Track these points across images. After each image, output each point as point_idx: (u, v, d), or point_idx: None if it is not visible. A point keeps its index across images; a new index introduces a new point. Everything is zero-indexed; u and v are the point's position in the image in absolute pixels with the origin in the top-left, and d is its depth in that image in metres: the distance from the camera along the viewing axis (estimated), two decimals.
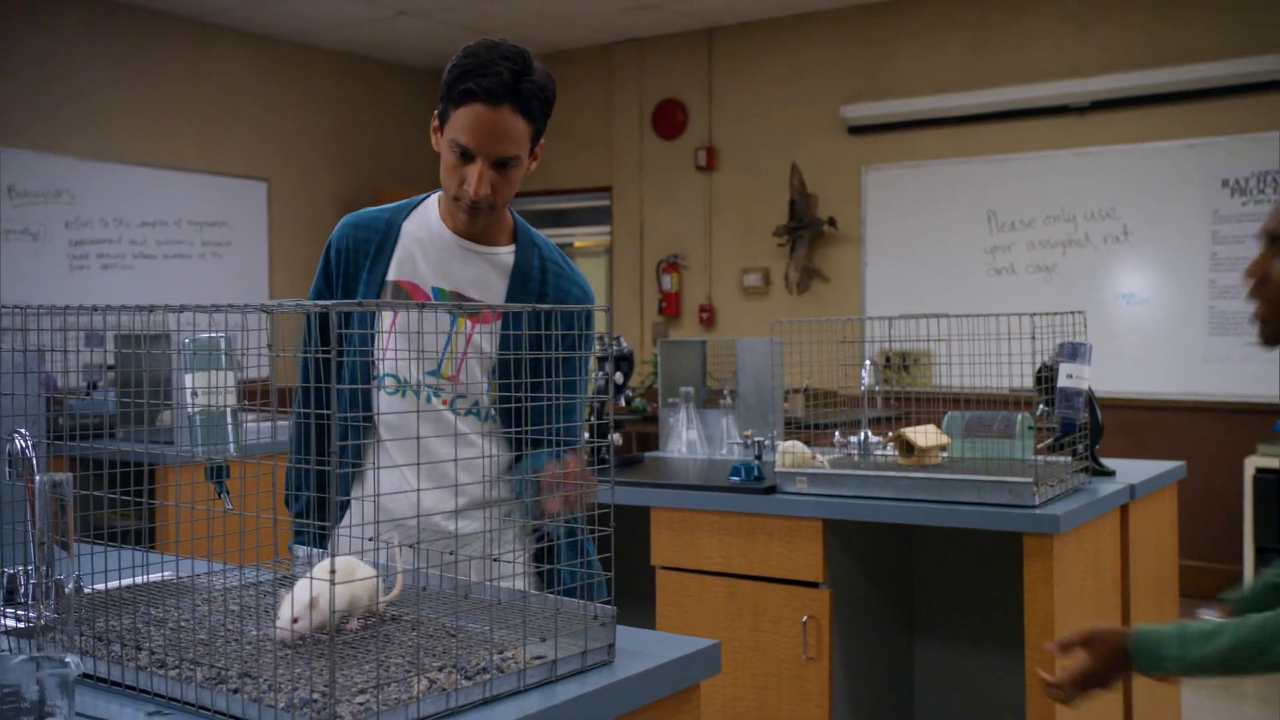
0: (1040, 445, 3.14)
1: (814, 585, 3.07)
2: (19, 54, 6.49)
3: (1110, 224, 6.49)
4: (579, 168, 8.32)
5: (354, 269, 2.07)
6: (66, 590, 1.55)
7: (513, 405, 1.91)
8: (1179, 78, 6.27)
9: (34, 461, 1.57)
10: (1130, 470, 3.42)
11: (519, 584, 1.90)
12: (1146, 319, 6.32)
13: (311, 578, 1.46)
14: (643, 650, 1.56)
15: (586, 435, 2.05)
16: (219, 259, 7.45)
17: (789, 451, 3.21)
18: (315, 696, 1.29)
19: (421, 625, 1.59)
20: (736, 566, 3.17)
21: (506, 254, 2.07)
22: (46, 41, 6.61)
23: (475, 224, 2.01)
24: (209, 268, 7.39)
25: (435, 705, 1.31)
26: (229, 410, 1.60)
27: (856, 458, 3.36)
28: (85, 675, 1.42)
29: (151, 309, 1.51)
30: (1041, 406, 3.21)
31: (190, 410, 1.60)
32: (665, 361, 4.05)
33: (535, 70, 1.95)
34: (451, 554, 1.89)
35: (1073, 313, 3.16)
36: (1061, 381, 3.06)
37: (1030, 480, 2.82)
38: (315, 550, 1.95)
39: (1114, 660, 1.74)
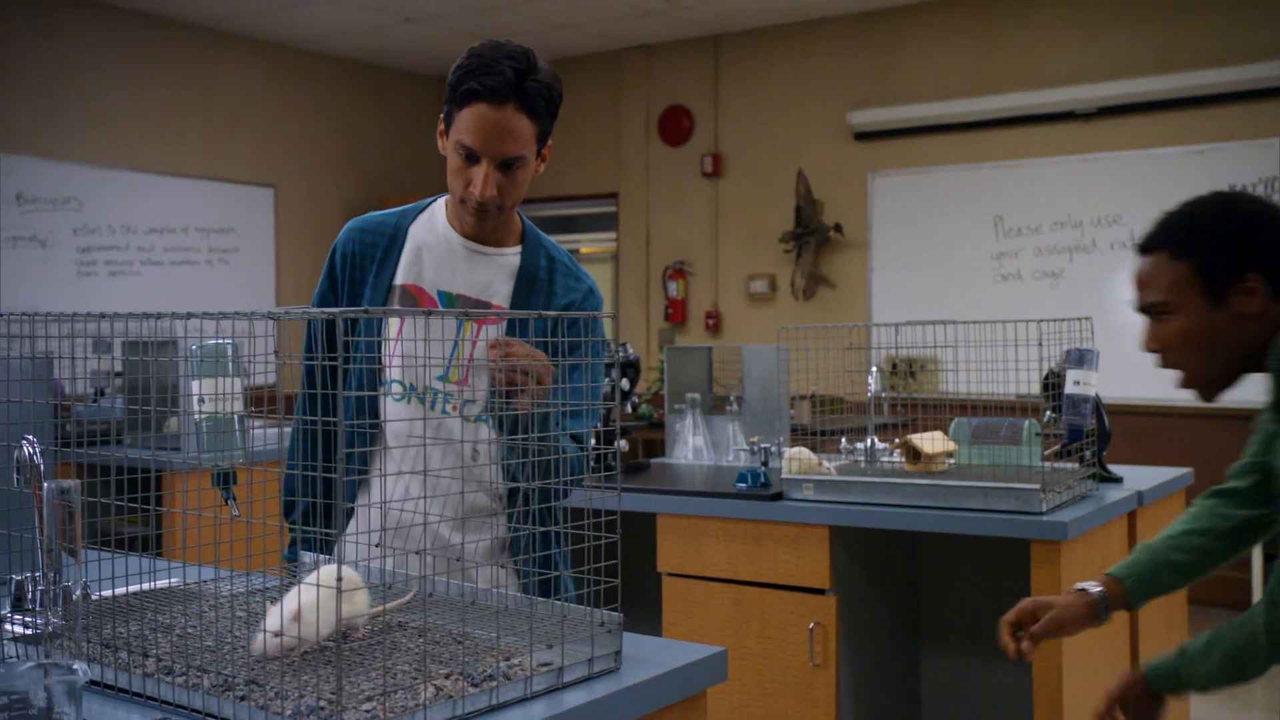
0: (1047, 452, 3.13)
1: (820, 592, 3.07)
2: (27, 61, 6.52)
3: (1117, 230, 6.48)
4: (585, 174, 8.33)
5: (360, 273, 2.05)
6: (74, 597, 1.55)
7: (519, 411, 1.91)
8: (1186, 84, 6.26)
9: (42, 468, 1.57)
10: (1138, 477, 3.42)
11: (506, 581, 1.89)
12: None
13: (303, 587, 1.45)
14: (649, 657, 1.55)
15: (594, 441, 2.03)
16: (226, 266, 7.47)
17: (795, 458, 3.21)
18: (322, 704, 1.29)
19: (428, 632, 1.59)
20: (743, 573, 3.17)
21: (513, 255, 2.05)
22: (54, 49, 6.63)
23: (483, 226, 2.00)
24: (216, 274, 7.41)
25: (442, 713, 1.31)
26: (236, 417, 1.60)
27: (863, 464, 3.35)
28: (92, 682, 1.42)
29: (158, 316, 1.51)
30: (1049, 413, 3.20)
31: (197, 417, 1.60)
32: (671, 368, 4.05)
33: (540, 69, 1.92)
34: (457, 559, 1.89)
35: (1080, 319, 3.16)
36: (1069, 388, 3.05)
37: (1037, 487, 2.82)
38: (320, 556, 1.95)
39: (1149, 699, 1.82)
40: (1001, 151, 6.84)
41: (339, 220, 7.76)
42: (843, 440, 3.57)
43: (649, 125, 8.05)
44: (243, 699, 1.32)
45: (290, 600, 1.45)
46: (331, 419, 1.85)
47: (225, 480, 1.65)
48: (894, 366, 5.51)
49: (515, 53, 1.91)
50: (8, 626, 1.63)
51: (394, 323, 2.00)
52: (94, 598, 1.69)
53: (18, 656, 1.49)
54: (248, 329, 1.48)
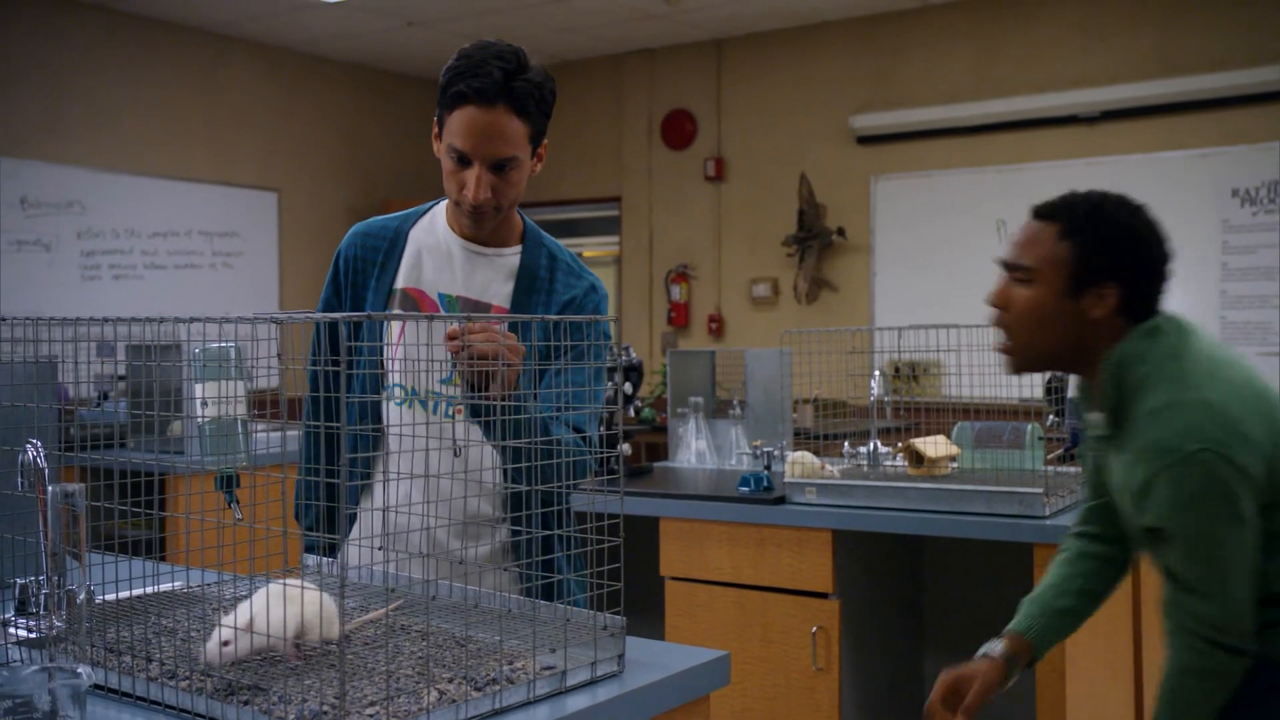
0: (1050, 456, 3.13)
1: (823, 596, 3.07)
2: (32, 65, 6.53)
3: None
4: (588, 178, 8.33)
5: (362, 278, 2.06)
6: (78, 600, 1.55)
7: (523, 416, 1.91)
8: (1189, 88, 6.26)
9: (46, 472, 1.57)
10: None
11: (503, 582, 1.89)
12: None
13: (253, 599, 1.43)
14: (652, 661, 1.55)
15: (598, 435, 2.02)
16: (230, 269, 7.47)
17: (798, 462, 3.21)
18: (325, 709, 1.29)
19: (431, 635, 1.59)
20: (746, 577, 3.17)
21: (513, 255, 2.04)
22: (59, 53, 6.64)
23: (481, 228, 1.99)
24: (220, 278, 7.41)
25: (445, 717, 1.31)
26: (239, 420, 1.60)
27: (866, 468, 3.35)
28: (96, 686, 1.42)
29: (161, 320, 1.51)
30: (1052, 417, 3.21)
31: (200, 420, 1.60)
32: (674, 372, 4.05)
33: (530, 69, 1.90)
34: (460, 562, 1.89)
35: None
36: (1072, 392, 3.05)
37: (1040, 491, 2.82)
38: (325, 560, 1.95)
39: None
40: (1004, 155, 6.84)
41: (342, 224, 7.77)
42: (846, 444, 3.57)
43: (651, 129, 8.06)
44: (246, 704, 1.32)
45: (243, 610, 1.43)
46: (334, 424, 1.85)
47: (228, 483, 1.66)
48: (897, 370, 5.51)
49: (504, 52, 1.89)
50: (12, 630, 1.63)
51: (395, 327, 2.00)
52: (97, 601, 1.69)
53: (22, 660, 1.49)
54: (251, 332, 1.49)
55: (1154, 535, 1.77)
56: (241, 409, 1.60)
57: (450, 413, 1.98)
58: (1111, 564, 2.02)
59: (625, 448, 3.92)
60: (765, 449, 3.52)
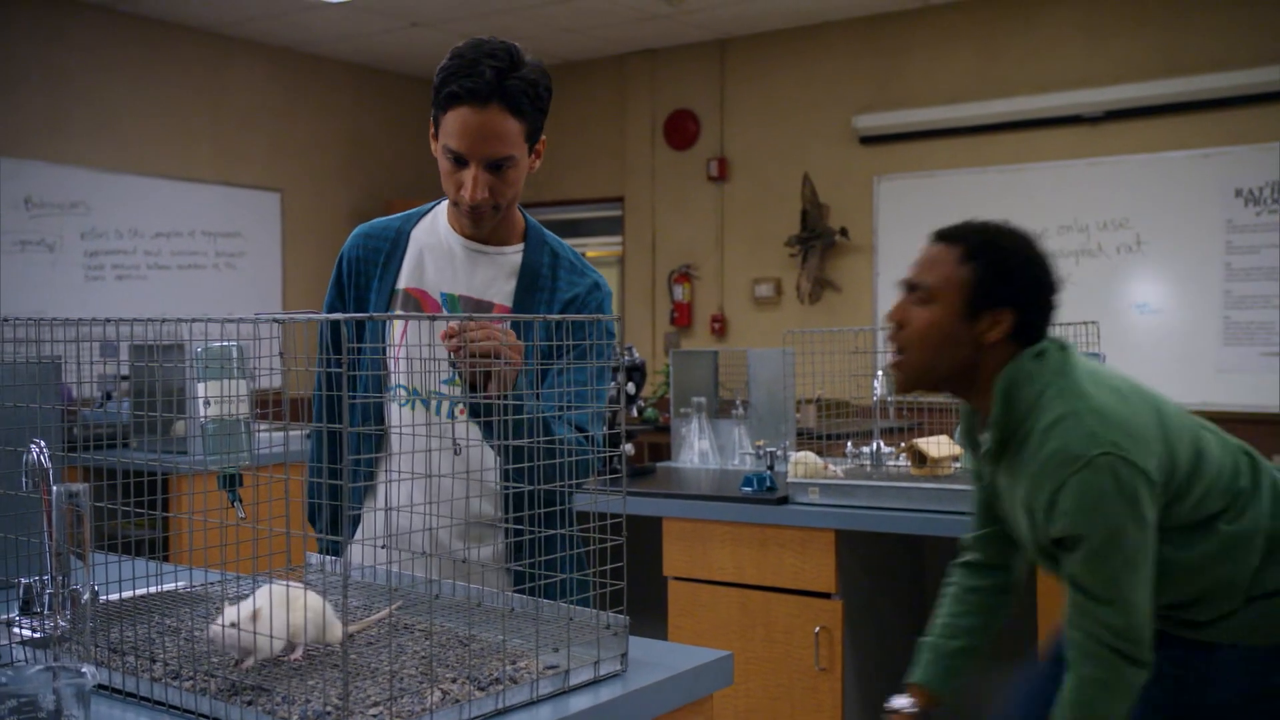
0: None
1: (826, 596, 3.07)
2: (35, 66, 6.54)
3: (1123, 234, 6.47)
4: (591, 178, 8.33)
5: (365, 279, 2.05)
6: (82, 600, 1.55)
7: (525, 416, 1.91)
8: (1192, 87, 6.25)
9: (50, 472, 1.57)
10: None
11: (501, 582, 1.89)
12: (1160, 329, 6.30)
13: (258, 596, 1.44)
14: (655, 661, 1.55)
15: (601, 434, 2.02)
16: (233, 270, 7.48)
17: (801, 462, 3.21)
18: (329, 709, 1.29)
19: (434, 635, 1.59)
20: (749, 577, 3.17)
21: (515, 254, 2.03)
22: (63, 54, 6.65)
23: (480, 228, 1.99)
24: (223, 278, 7.42)
25: (448, 717, 1.31)
26: (241, 419, 1.61)
27: (869, 468, 3.35)
28: (100, 686, 1.42)
29: (164, 320, 1.51)
30: None
31: (203, 420, 1.60)
32: (677, 372, 4.05)
33: (523, 66, 1.88)
34: (463, 561, 1.89)
35: (1086, 323, 3.15)
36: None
37: None
38: (329, 559, 1.95)
39: None
40: (1007, 155, 6.83)
41: (346, 224, 7.77)
42: (848, 444, 3.57)
43: (655, 129, 8.06)
44: (250, 704, 1.33)
45: (246, 604, 1.43)
46: (337, 425, 1.85)
47: (231, 483, 1.66)
48: None
49: (497, 50, 1.88)
50: (16, 630, 1.64)
51: (398, 328, 2.00)
52: (101, 601, 1.69)
53: (26, 660, 1.50)
54: (253, 332, 1.49)
55: (1061, 546, 1.83)
56: (244, 409, 1.60)
57: (454, 413, 1.97)
58: (998, 593, 2.13)
59: (628, 448, 3.92)
60: (768, 449, 3.52)
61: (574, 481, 1.82)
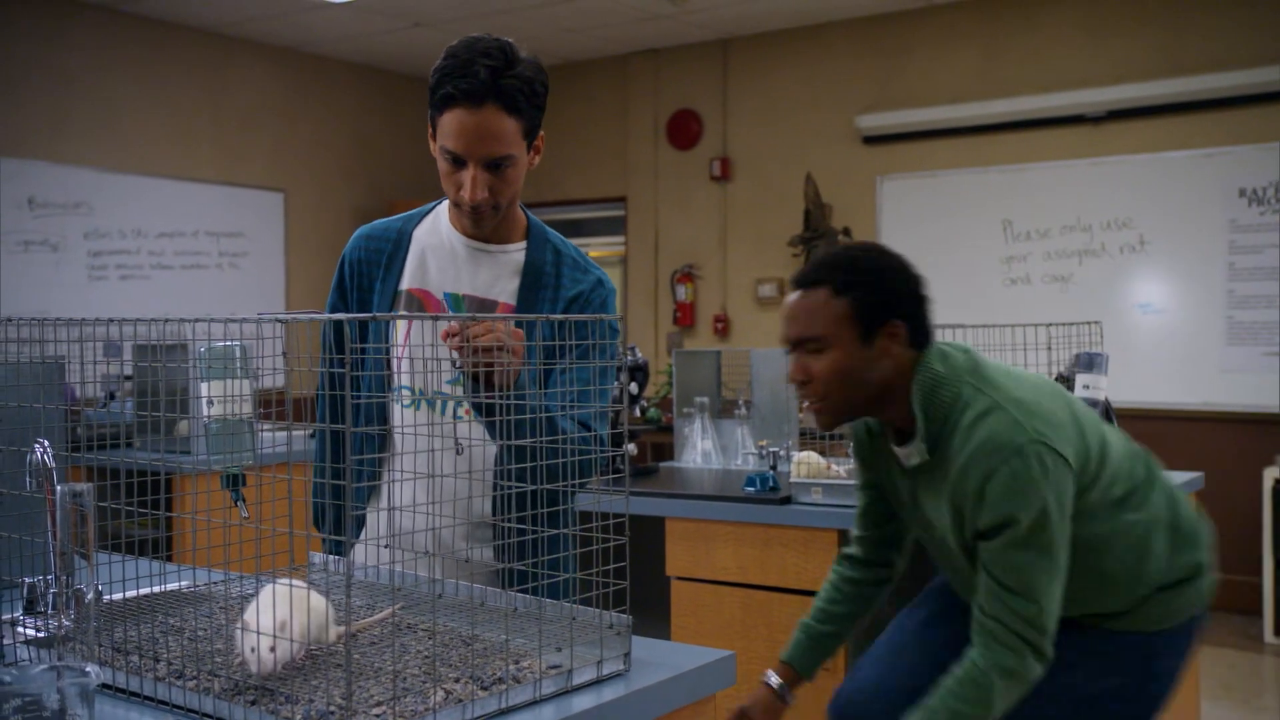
0: None
1: None
2: (38, 66, 6.54)
3: (1127, 234, 6.47)
4: (594, 178, 8.34)
5: (368, 281, 2.05)
6: (86, 600, 1.56)
7: (527, 415, 1.91)
8: (1195, 87, 6.25)
9: (54, 471, 1.58)
10: None
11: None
12: (1163, 329, 6.30)
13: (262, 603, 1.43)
14: (658, 660, 1.56)
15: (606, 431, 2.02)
16: (236, 270, 7.49)
17: (804, 462, 3.21)
18: (332, 709, 1.29)
19: (437, 634, 1.60)
20: (751, 577, 3.17)
21: (518, 252, 2.03)
22: (66, 54, 6.66)
23: (481, 227, 1.99)
24: (226, 278, 7.43)
25: (451, 717, 1.31)
26: (245, 419, 1.61)
27: None
28: (104, 685, 1.42)
29: (167, 320, 1.52)
30: None
31: (206, 420, 1.61)
32: (680, 372, 4.05)
33: (518, 63, 1.86)
34: (466, 560, 1.89)
35: (1089, 323, 3.15)
36: (1078, 392, 3.05)
37: None
38: (333, 558, 1.95)
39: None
40: (1010, 155, 6.83)
41: (348, 224, 7.78)
42: (851, 444, 3.56)
43: (657, 129, 8.06)
44: (253, 703, 1.33)
45: (264, 615, 1.41)
46: (340, 426, 1.85)
47: (235, 482, 1.66)
48: None
49: (491, 49, 1.86)
50: (21, 629, 1.64)
51: (401, 328, 2.00)
52: (105, 600, 1.70)
53: (30, 659, 1.50)
54: (256, 331, 1.49)
55: (983, 537, 1.89)
56: (247, 408, 1.60)
57: (459, 414, 1.97)
58: (874, 585, 2.31)
59: (631, 448, 3.92)
60: (771, 449, 3.52)
61: (578, 481, 1.82)
